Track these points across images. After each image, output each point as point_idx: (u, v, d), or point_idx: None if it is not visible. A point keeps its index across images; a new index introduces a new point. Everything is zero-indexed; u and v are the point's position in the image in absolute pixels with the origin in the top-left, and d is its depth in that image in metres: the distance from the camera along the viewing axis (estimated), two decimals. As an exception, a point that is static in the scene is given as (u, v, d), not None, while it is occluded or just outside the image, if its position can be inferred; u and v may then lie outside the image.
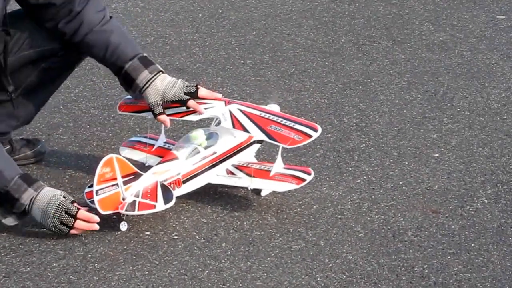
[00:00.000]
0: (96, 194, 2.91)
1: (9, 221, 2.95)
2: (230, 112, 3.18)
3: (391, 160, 3.48)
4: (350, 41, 4.54)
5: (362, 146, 3.58)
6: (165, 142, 3.30)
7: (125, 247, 2.93)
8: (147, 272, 2.83)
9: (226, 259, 2.89)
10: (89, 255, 2.89)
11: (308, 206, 3.16)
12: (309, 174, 3.12)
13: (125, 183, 2.95)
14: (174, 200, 3.01)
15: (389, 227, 3.06)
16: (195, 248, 2.94)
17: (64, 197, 2.94)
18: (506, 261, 2.90)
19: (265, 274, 2.83)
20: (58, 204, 2.91)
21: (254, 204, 3.16)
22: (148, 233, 3.00)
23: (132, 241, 2.95)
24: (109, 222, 3.00)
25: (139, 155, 3.26)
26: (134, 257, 2.89)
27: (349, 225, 3.07)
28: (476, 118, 3.80)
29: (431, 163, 3.46)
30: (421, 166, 3.44)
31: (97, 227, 2.95)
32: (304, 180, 3.10)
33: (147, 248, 2.93)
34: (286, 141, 3.06)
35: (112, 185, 2.93)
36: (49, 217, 2.91)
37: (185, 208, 3.13)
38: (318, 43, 4.51)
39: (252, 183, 3.11)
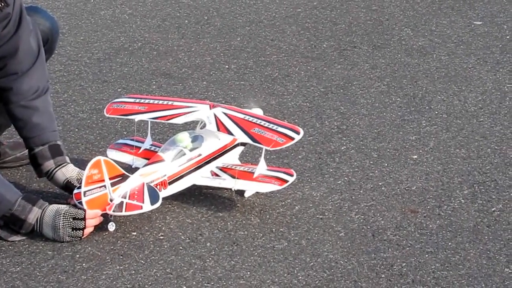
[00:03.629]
0: (84, 195, 2.95)
1: (15, 238, 2.98)
2: (215, 115, 3.22)
3: (371, 162, 3.52)
4: (332, 46, 4.58)
5: (343, 148, 3.63)
6: (151, 145, 3.33)
7: (112, 247, 2.96)
8: (133, 272, 2.86)
9: (210, 258, 2.93)
10: (77, 255, 2.93)
11: (290, 206, 3.20)
12: (291, 175, 3.17)
13: (112, 184, 2.98)
14: (160, 201, 3.05)
15: (368, 227, 3.11)
16: (181, 247, 2.98)
17: (68, 207, 2.97)
18: (482, 259, 2.95)
19: (248, 272, 2.87)
20: (64, 214, 2.95)
21: (238, 204, 3.20)
22: (134, 233, 3.04)
23: (119, 241, 2.99)
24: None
25: (126, 157, 3.29)
26: (121, 256, 2.92)
27: (330, 225, 3.11)
28: (453, 121, 3.85)
29: (410, 164, 3.51)
30: (400, 167, 3.49)
31: (101, 218, 2.99)
32: (286, 181, 3.14)
33: (134, 248, 2.96)
34: (269, 143, 3.10)
35: (100, 187, 2.97)
36: (59, 229, 2.94)
37: (170, 209, 3.17)
38: (300, 48, 4.55)
39: (236, 184, 3.15)
